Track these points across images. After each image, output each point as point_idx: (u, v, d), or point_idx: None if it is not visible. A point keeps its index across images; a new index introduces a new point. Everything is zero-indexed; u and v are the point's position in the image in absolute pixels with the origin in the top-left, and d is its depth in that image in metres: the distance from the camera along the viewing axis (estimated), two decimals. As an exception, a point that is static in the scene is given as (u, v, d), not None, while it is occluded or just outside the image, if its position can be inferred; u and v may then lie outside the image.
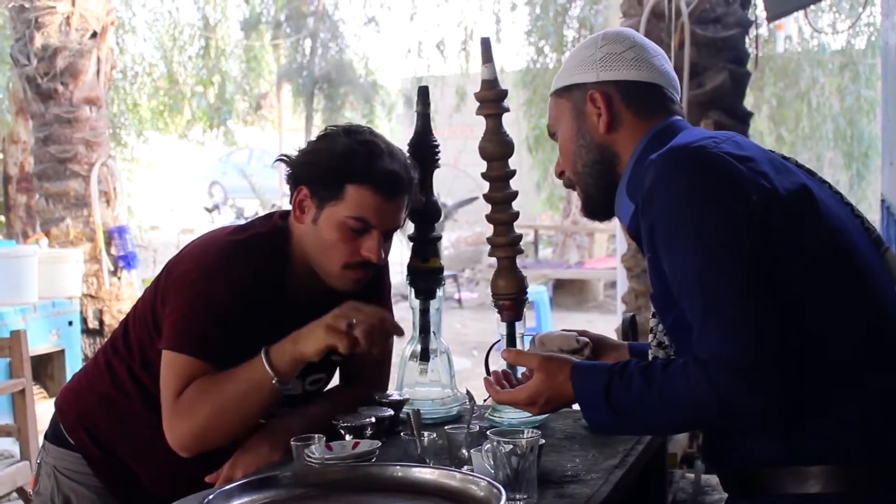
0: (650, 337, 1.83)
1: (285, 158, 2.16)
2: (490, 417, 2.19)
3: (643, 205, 1.66)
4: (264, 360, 2.00)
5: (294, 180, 2.14)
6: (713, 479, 4.00)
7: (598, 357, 2.11)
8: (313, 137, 2.21)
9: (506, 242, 2.30)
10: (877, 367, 1.58)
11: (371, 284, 2.19)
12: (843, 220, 1.68)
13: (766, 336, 1.50)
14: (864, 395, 1.57)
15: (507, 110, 2.24)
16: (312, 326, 2.00)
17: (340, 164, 2.07)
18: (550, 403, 1.76)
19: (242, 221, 2.26)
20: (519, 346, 2.19)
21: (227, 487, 1.62)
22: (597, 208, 1.92)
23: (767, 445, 1.60)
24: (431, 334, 2.32)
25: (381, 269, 2.25)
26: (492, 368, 2.14)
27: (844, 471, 1.56)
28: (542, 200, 15.77)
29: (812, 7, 8.72)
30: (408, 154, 2.28)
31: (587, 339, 2.13)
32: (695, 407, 1.56)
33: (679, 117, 1.86)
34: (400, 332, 2.07)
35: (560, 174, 1.95)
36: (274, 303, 2.11)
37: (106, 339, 7.32)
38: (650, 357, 1.81)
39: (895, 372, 1.59)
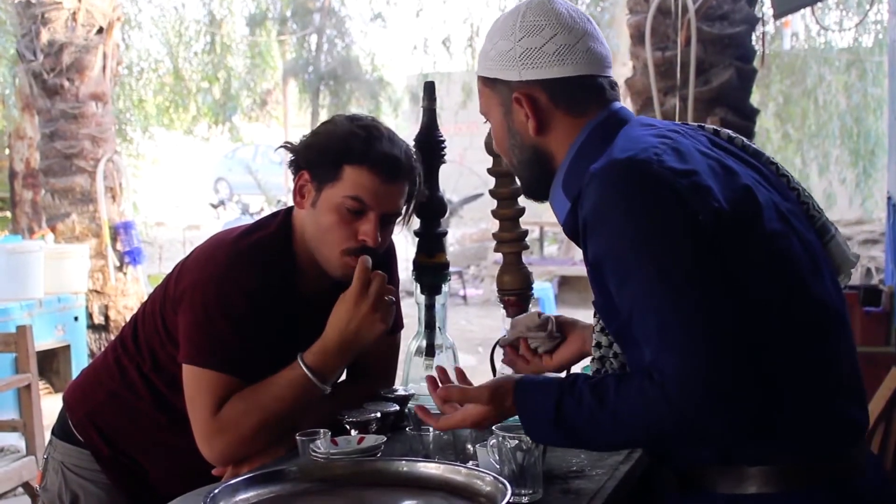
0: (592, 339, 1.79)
1: (288, 145, 2.16)
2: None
3: (586, 223, 1.58)
4: (306, 370, 2.02)
5: (296, 166, 2.14)
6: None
7: (564, 335, 2.05)
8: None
9: (511, 238, 2.30)
10: (815, 369, 1.56)
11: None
12: (782, 223, 1.61)
13: (723, 353, 1.45)
14: (801, 397, 1.54)
15: (514, 106, 2.23)
16: (362, 320, 2.05)
17: (339, 145, 2.07)
18: (499, 420, 1.70)
19: (248, 218, 2.26)
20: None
21: (234, 482, 1.63)
22: (536, 194, 1.83)
23: (704, 447, 1.58)
24: (437, 330, 2.32)
25: (390, 260, 2.25)
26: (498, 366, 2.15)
27: (781, 470, 1.55)
28: (548, 197, 15.73)
29: (819, 4, 8.71)
30: (413, 148, 2.28)
31: (548, 316, 2.07)
32: (651, 427, 1.51)
33: (616, 104, 1.74)
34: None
35: (498, 153, 1.87)
36: (286, 303, 2.11)
37: (112, 335, 7.36)
38: (591, 360, 1.77)
39: (830, 369, 1.58)
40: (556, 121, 1.72)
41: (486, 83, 1.79)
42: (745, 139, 1.77)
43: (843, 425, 1.60)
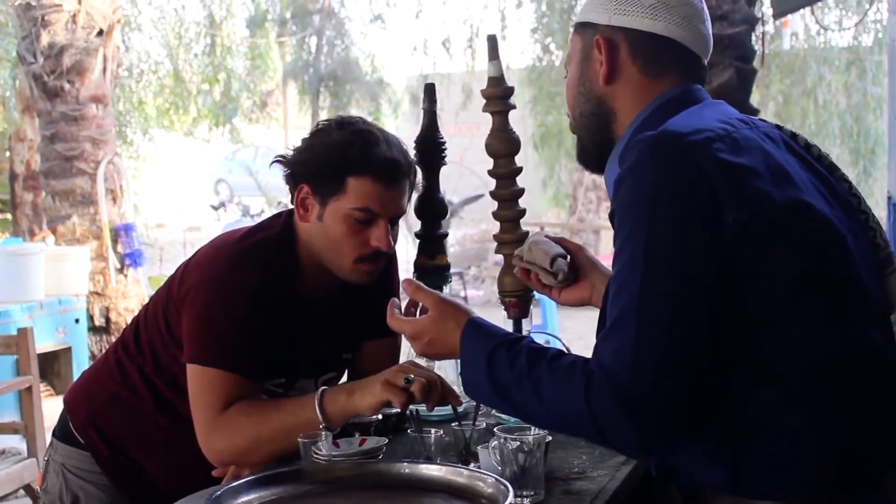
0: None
1: (282, 159, 2.15)
2: (497, 415, 2.19)
3: (615, 188, 1.52)
4: (317, 405, 1.96)
5: (293, 179, 2.13)
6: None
7: (577, 277, 1.98)
8: (306, 134, 2.20)
9: (512, 240, 2.30)
10: (833, 403, 1.47)
11: (380, 280, 2.19)
12: (836, 246, 1.52)
13: (668, 366, 1.39)
14: (815, 431, 1.46)
15: (514, 107, 2.23)
16: (370, 381, 1.95)
17: (338, 157, 2.06)
18: (433, 346, 1.68)
19: (249, 219, 2.26)
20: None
21: (236, 483, 1.63)
22: (589, 160, 1.77)
23: (714, 472, 1.50)
24: (438, 331, 2.31)
25: (390, 261, 2.25)
26: None
27: None
28: (549, 198, 15.77)
29: (818, 4, 8.71)
30: (414, 151, 2.28)
31: (562, 259, 1.97)
32: (563, 412, 1.46)
33: (697, 85, 1.67)
34: (456, 400, 1.95)
35: (569, 113, 1.80)
36: (288, 305, 2.11)
37: (113, 337, 7.36)
38: None
39: (850, 408, 1.48)
40: (628, 75, 1.66)
41: (577, 29, 1.74)
42: (822, 151, 1.68)
43: (866, 468, 1.51)
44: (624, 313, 1.43)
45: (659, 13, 1.64)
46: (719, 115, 1.58)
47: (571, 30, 1.79)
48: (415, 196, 2.31)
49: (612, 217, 1.58)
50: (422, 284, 1.75)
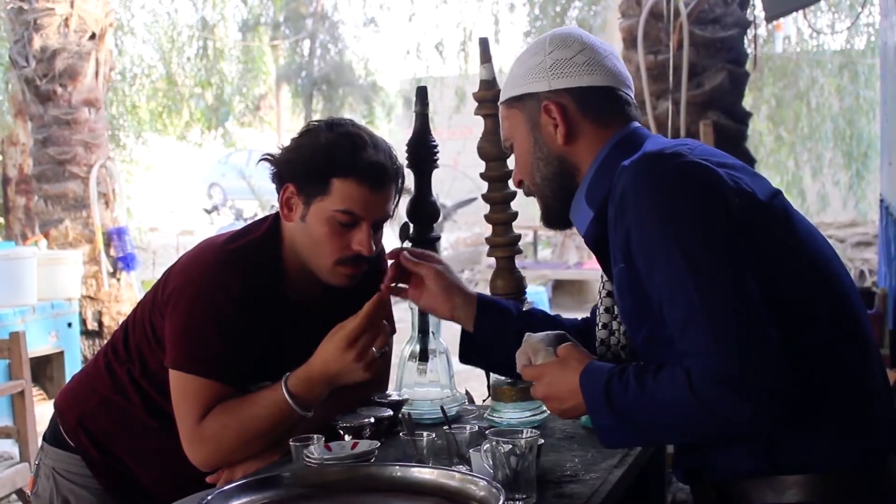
0: (599, 347, 1.84)
1: (269, 157, 2.15)
2: (489, 417, 2.19)
3: (616, 213, 1.61)
4: (287, 397, 2.00)
5: (279, 179, 2.12)
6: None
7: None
8: (295, 134, 2.20)
9: (504, 242, 2.30)
10: (853, 374, 1.58)
11: (371, 280, 2.19)
12: (810, 229, 1.67)
13: (749, 342, 1.46)
14: (840, 403, 1.56)
15: (506, 110, 2.23)
16: (345, 366, 2.00)
17: (324, 158, 2.05)
18: (552, 387, 1.70)
19: (242, 223, 2.26)
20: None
21: (227, 488, 1.62)
22: (555, 219, 1.87)
23: (746, 457, 1.58)
24: (430, 334, 2.31)
25: (379, 267, 2.24)
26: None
27: (822, 479, 1.55)
28: (542, 201, 15.74)
29: (811, 7, 8.73)
30: (406, 154, 2.28)
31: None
32: (681, 414, 1.52)
33: (637, 124, 1.81)
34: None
35: (519, 183, 1.90)
36: (273, 307, 2.11)
37: (105, 341, 7.32)
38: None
39: (872, 378, 1.60)
40: (583, 130, 1.77)
41: (512, 104, 1.84)
42: None
43: (883, 431, 1.60)
44: (689, 311, 1.51)
45: (594, 68, 1.77)
46: (673, 140, 1.77)
47: (500, 110, 1.88)
48: (407, 199, 2.31)
49: (590, 244, 1.74)
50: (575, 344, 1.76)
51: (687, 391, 1.48)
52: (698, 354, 1.49)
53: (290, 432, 2.00)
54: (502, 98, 1.86)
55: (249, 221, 2.30)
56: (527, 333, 1.82)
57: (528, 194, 1.89)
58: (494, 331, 2.01)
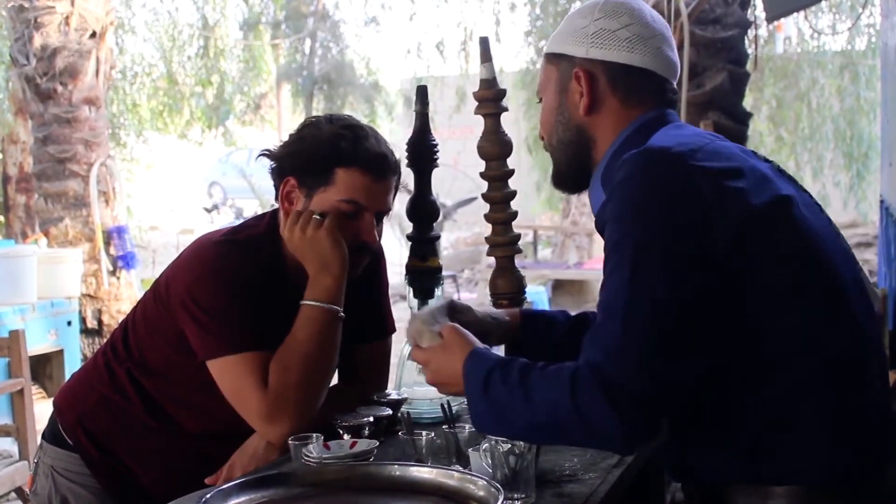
0: None
1: (268, 152, 2.15)
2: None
3: (605, 203, 1.60)
4: (315, 302, 2.04)
5: (279, 172, 2.13)
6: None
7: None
8: (294, 129, 2.20)
9: (504, 242, 2.30)
10: (844, 388, 1.53)
11: (368, 279, 2.19)
12: (819, 234, 1.59)
13: (652, 356, 1.42)
14: (829, 416, 1.51)
15: (506, 110, 2.23)
16: (312, 243, 2.06)
17: (328, 148, 2.06)
18: (439, 374, 1.71)
19: (241, 222, 2.26)
20: None
21: (225, 486, 1.62)
22: (564, 182, 1.84)
23: (732, 464, 1.55)
24: (430, 334, 2.31)
25: (378, 263, 2.25)
26: None
27: (807, 491, 1.52)
28: (542, 201, 15.77)
29: (812, 8, 8.73)
30: (406, 153, 2.28)
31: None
32: (553, 413, 1.48)
33: (670, 110, 1.75)
34: None
35: (542, 137, 1.86)
36: (278, 291, 2.11)
37: (105, 339, 7.33)
38: None
39: (862, 393, 1.55)
40: (608, 106, 1.73)
41: (550, 59, 1.80)
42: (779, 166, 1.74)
43: (877, 444, 1.56)
44: (611, 309, 1.48)
45: (635, 46, 1.71)
46: (694, 132, 1.68)
47: (542, 58, 1.84)
48: (407, 198, 2.31)
49: (599, 229, 1.66)
50: (458, 327, 1.74)
51: (566, 391, 1.45)
52: (598, 349, 1.45)
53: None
54: (546, 49, 1.83)
55: (241, 222, 2.29)
56: (412, 312, 1.80)
57: (546, 150, 1.86)
58: (541, 344, 1.98)
